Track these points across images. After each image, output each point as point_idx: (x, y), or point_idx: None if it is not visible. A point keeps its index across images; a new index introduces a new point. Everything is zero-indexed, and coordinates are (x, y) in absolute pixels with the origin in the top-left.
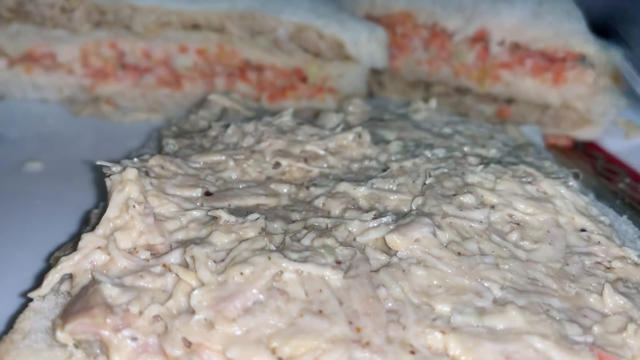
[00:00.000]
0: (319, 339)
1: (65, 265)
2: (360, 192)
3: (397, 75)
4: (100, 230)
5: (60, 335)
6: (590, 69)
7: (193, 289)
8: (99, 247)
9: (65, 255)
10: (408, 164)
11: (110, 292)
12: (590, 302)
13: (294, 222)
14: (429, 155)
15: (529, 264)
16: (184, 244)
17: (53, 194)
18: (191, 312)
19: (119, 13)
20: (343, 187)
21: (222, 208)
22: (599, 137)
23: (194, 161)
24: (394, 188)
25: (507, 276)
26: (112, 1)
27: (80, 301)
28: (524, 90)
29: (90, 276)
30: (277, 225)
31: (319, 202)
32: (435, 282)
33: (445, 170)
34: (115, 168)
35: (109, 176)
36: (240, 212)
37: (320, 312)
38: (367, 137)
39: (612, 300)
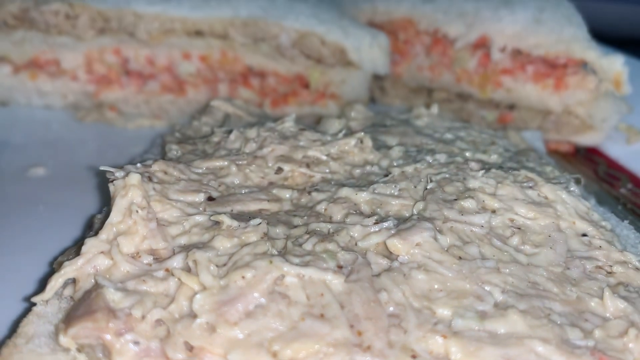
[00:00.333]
0: (320, 343)
1: (69, 269)
2: (362, 198)
3: (399, 81)
4: (104, 235)
5: (63, 339)
6: (592, 75)
7: (195, 293)
8: (102, 252)
9: (68, 260)
10: (409, 169)
11: (113, 296)
12: (591, 306)
13: (296, 227)
14: (430, 161)
15: (530, 268)
16: (187, 248)
17: (56, 199)
18: (193, 316)
19: (122, 20)
20: (345, 192)
21: (224, 213)
22: (601, 143)
23: (197, 166)
24: (396, 193)
25: (508, 280)
26: (116, 8)
27: (83, 305)
28: (526, 96)
29: (93, 281)
30: (279, 230)
31: (320, 208)
32: (436, 286)
33: (447, 176)
34: (119, 173)
35: (112, 181)
36: (243, 217)
37: (322, 315)
38: (369, 142)
39: (613, 304)
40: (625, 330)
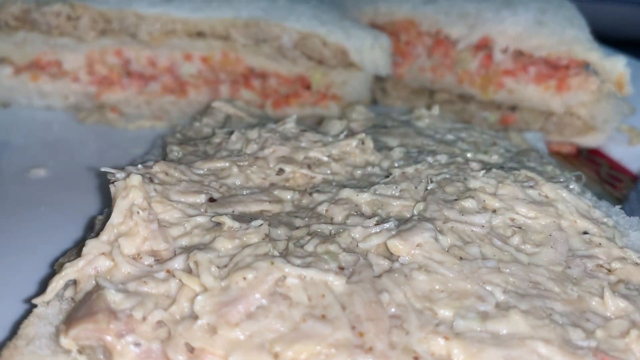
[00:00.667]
0: (321, 344)
1: (70, 271)
2: (363, 199)
3: (400, 83)
4: (105, 236)
5: (64, 340)
6: (594, 76)
7: (196, 294)
8: (103, 253)
9: (69, 261)
10: (410, 170)
11: (113, 297)
12: (592, 305)
13: (297, 228)
14: (431, 161)
15: (531, 267)
16: (188, 249)
17: (58, 200)
18: (194, 317)
19: (124, 21)
20: (346, 193)
21: (225, 214)
22: (603, 144)
23: (198, 168)
24: (397, 194)
25: (509, 280)
26: (117, 9)
27: (83, 307)
28: (528, 98)
29: (94, 282)
30: (280, 232)
31: (322, 209)
32: (437, 287)
33: (447, 176)
34: (120, 174)
35: (113, 182)
36: (244, 218)
37: (323, 317)
38: (370, 143)
39: (614, 303)
40: (627, 330)
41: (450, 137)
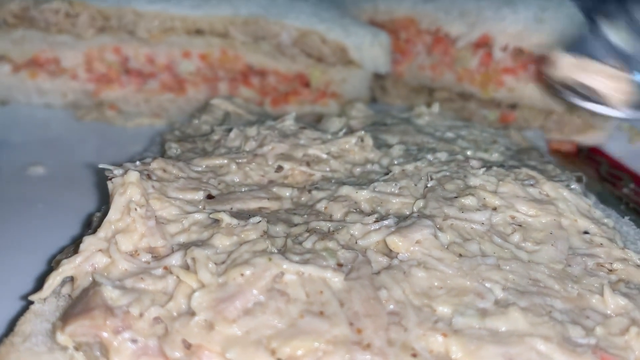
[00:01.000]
0: (319, 340)
1: (66, 267)
2: (362, 196)
3: (400, 81)
4: (102, 233)
5: (61, 337)
6: None
7: (194, 291)
8: (100, 250)
9: (66, 258)
10: (410, 167)
11: (110, 294)
12: (592, 303)
13: (296, 225)
14: (430, 159)
15: (531, 265)
16: (186, 246)
17: (56, 197)
18: (191, 313)
19: (122, 18)
20: (345, 190)
21: (224, 211)
22: (603, 142)
23: (197, 164)
24: (396, 191)
25: (509, 277)
26: (116, 7)
27: (80, 303)
28: (528, 96)
29: (91, 279)
30: (279, 229)
31: (321, 206)
32: (436, 284)
33: (447, 174)
34: (117, 171)
35: (110, 179)
36: (243, 215)
37: (321, 313)
38: (369, 141)
39: (614, 301)
40: (626, 328)
41: (450, 134)
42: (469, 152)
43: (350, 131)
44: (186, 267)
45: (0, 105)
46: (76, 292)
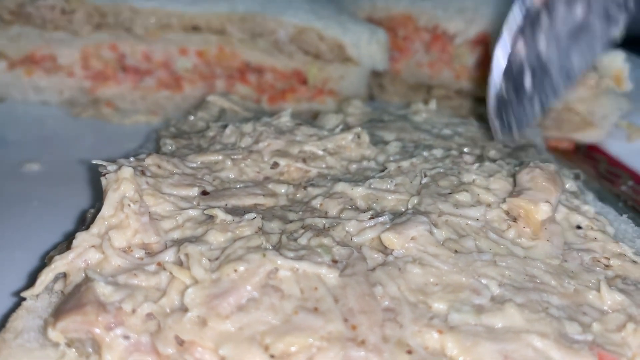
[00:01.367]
0: (313, 336)
1: (59, 264)
2: (358, 192)
3: (397, 78)
4: (95, 229)
5: (52, 333)
6: (592, 72)
7: (187, 287)
8: (93, 246)
9: (59, 254)
10: (406, 164)
11: (103, 290)
12: (589, 298)
13: (291, 222)
14: (426, 155)
15: (527, 260)
16: (180, 242)
17: (50, 194)
18: (184, 309)
19: (119, 15)
20: (341, 187)
21: (218, 207)
22: (601, 140)
23: (191, 161)
24: (392, 188)
25: (505, 273)
26: (112, 3)
27: (72, 299)
28: None
29: (83, 275)
30: (274, 225)
31: (316, 203)
32: (431, 280)
33: (441, 170)
34: (111, 167)
35: (104, 175)
36: (238, 212)
37: (316, 309)
38: (365, 137)
39: (611, 297)
40: (623, 324)
41: (447, 131)
42: (466, 149)
43: (347, 128)
44: (179, 263)
45: None
46: (69, 288)
